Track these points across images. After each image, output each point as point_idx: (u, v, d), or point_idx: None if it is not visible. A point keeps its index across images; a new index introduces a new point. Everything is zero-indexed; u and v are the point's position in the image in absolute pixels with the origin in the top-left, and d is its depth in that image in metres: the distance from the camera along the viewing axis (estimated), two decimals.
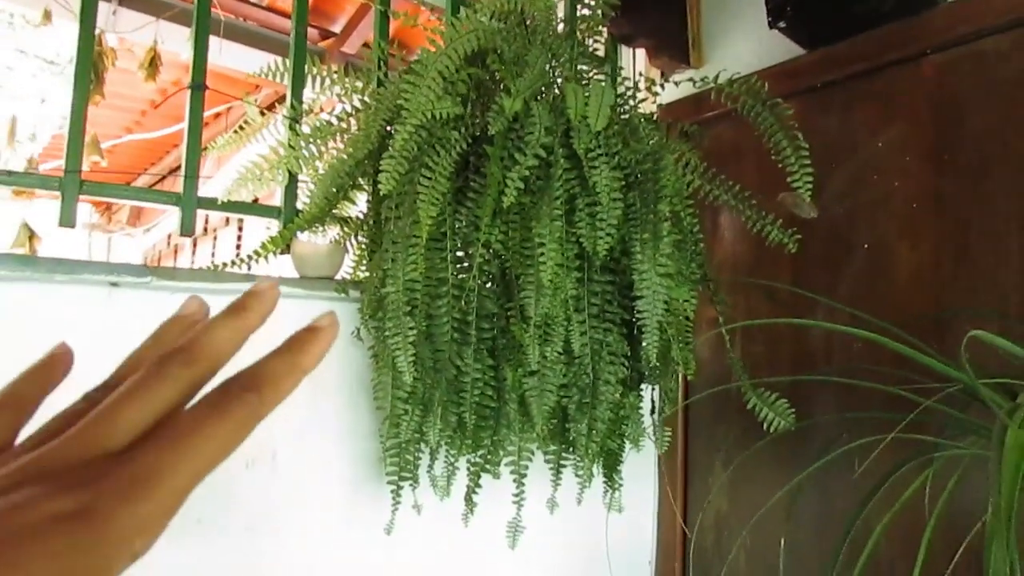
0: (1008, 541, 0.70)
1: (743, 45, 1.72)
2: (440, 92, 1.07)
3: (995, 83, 1.29)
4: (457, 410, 1.07)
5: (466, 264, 1.07)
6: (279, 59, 1.31)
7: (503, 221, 1.08)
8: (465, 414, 1.06)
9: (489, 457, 1.09)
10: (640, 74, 1.75)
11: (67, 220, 1.11)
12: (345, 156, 1.22)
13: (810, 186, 1.18)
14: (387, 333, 1.03)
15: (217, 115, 3.88)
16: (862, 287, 1.42)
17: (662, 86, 1.60)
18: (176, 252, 5.44)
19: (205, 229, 4.87)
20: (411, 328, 1.02)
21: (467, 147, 1.10)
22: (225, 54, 1.79)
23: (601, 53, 1.64)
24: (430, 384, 1.08)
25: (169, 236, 5.43)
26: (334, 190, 1.24)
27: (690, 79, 1.49)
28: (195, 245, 5.00)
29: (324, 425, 1.21)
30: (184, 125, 1.19)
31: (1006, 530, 0.69)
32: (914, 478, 1.07)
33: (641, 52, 1.89)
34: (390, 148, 1.05)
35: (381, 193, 1.08)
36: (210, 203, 1.20)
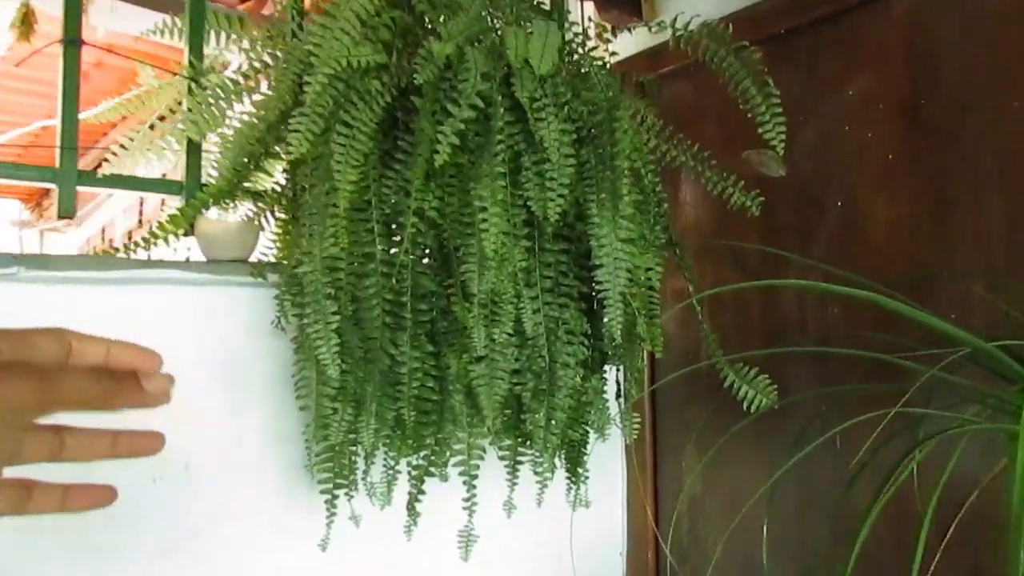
0: None
1: None
2: (358, 37, 0.91)
3: (973, 20, 1.18)
4: (394, 406, 0.92)
5: (397, 236, 0.92)
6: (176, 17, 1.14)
7: (438, 185, 0.93)
8: (403, 410, 0.92)
9: (433, 458, 0.95)
10: (590, 19, 1.60)
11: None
12: (255, 120, 1.05)
13: (783, 137, 1.06)
14: (306, 321, 0.88)
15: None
16: (836, 248, 1.31)
17: (615, 34, 1.46)
18: (111, 246, 5.13)
19: (140, 220, 4.59)
20: (334, 313, 0.87)
21: (392, 100, 0.95)
22: (125, 17, 1.59)
23: (546, 1, 1.49)
24: (361, 377, 0.93)
25: (103, 230, 5.12)
26: (244, 159, 1.07)
27: (646, 26, 1.35)
28: (130, 238, 4.71)
29: (245, 429, 1.06)
30: (59, 88, 1.01)
31: None
32: (901, 453, 0.97)
33: (590, 5, 1.74)
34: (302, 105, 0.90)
35: (293, 157, 0.92)
36: (92, 178, 1.03)
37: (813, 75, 1.37)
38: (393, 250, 0.91)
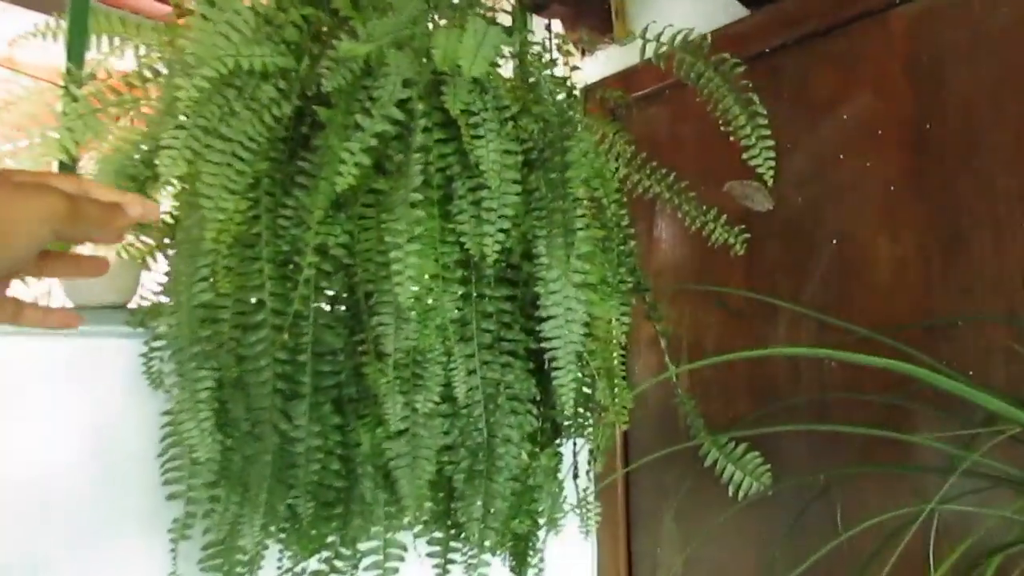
0: None
1: (675, 9, 1.44)
2: (250, 33, 0.74)
3: (983, 32, 1.03)
4: (287, 495, 0.72)
5: (295, 281, 0.73)
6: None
7: (348, 216, 0.75)
8: (298, 500, 0.72)
9: (335, 563, 0.75)
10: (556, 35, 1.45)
11: None
12: (138, 136, 0.87)
13: (771, 163, 0.90)
14: (173, 388, 0.69)
15: None
16: (833, 292, 1.15)
17: (582, 51, 1.30)
18: None
19: None
20: (203, 377, 0.68)
21: (297, 114, 0.77)
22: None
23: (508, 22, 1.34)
24: (251, 456, 0.74)
25: None
26: (125, 183, 0.88)
27: (616, 42, 1.19)
28: None
29: (121, 513, 0.85)
30: None
31: None
32: (920, 544, 0.78)
33: (557, 23, 1.59)
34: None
35: (163, 181, 0.74)
36: None
37: (802, 98, 1.21)
38: (289, 296, 0.72)
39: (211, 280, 0.69)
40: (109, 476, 0.86)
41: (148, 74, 0.92)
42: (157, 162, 0.73)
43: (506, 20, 1.17)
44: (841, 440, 1.08)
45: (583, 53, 1.62)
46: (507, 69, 0.91)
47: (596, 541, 1.37)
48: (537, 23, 1.60)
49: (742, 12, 1.31)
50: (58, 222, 0.37)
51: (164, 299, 0.75)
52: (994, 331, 0.98)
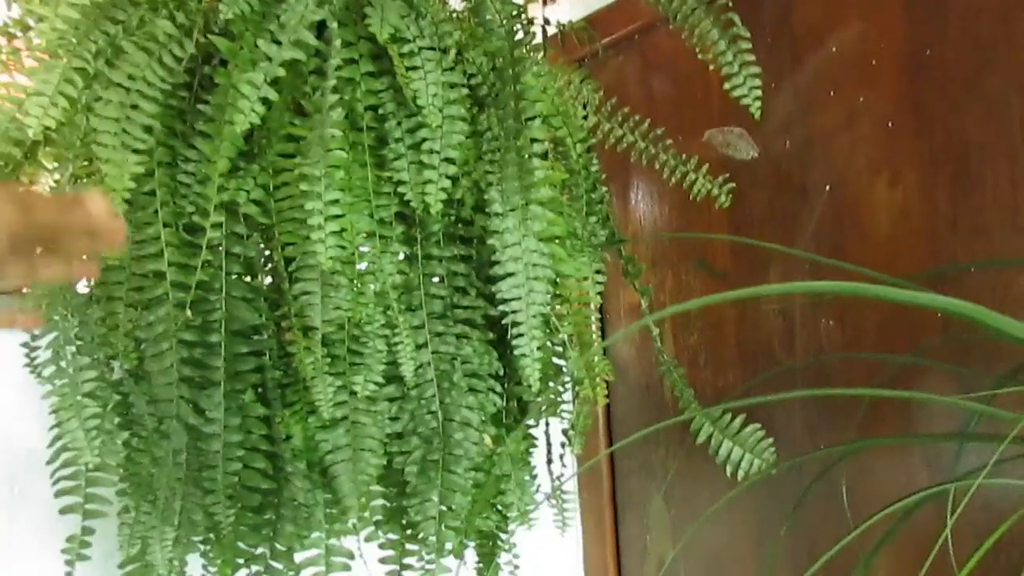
0: None
1: None
2: None
3: None
4: (202, 501, 0.61)
5: (199, 246, 0.61)
6: None
7: (262, 168, 0.63)
8: (218, 507, 0.60)
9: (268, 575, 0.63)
10: None
11: None
12: (21, 91, 0.74)
13: (758, 92, 0.79)
14: (49, 381, 0.57)
15: None
16: (827, 242, 1.04)
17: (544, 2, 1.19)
18: None
19: None
20: (87, 367, 0.56)
21: (199, 52, 0.65)
22: None
23: None
24: (158, 459, 0.62)
25: None
26: (10, 149, 0.76)
27: None
28: None
29: (25, 528, 0.74)
30: None
31: None
32: (936, 522, 0.68)
33: None
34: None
35: (31, 133, 0.61)
36: None
37: (785, 30, 1.10)
38: (191, 265, 0.60)
39: None
40: (14, 481, 0.75)
41: (30, 21, 0.79)
42: (26, 112, 0.61)
43: None
44: (844, 407, 0.98)
45: (544, 2, 1.50)
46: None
47: (581, 530, 1.27)
48: None
49: None
50: (11, 226, 0.38)
51: None
52: (1014, 275, 0.88)
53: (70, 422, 0.56)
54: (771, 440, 0.64)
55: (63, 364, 0.56)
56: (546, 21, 0.98)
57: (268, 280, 0.67)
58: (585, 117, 0.92)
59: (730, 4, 0.79)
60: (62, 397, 0.56)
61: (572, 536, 1.26)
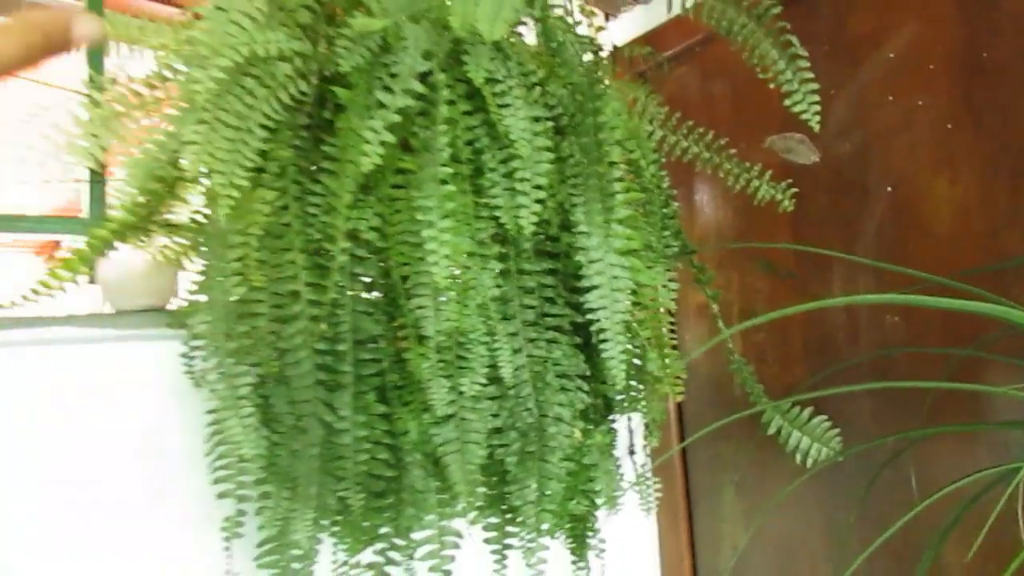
0: None
1: None
2: (263, 20, 0.72)
3: None
4: (336, 487, 0.71)
5: (327, 268, 0.71)
6: None
7: (378, 199, 0.72)
8: (348, 492, 0.70)
9: (390, 554, 0.73)
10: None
11: None
12: (163, 137, 0.86)
13: (817, 108, 0.85)
14: (211, 386, 0.68)
15: None
16: (889, 242, 1.08)
17: (606, 15, 1.26)
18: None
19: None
20: (243, 373, 0.66)
21: (314, 96, 0.75)
22: None
23: None
24: (296, 451, 0.72)
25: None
26: (154, 185, 0.87)
27: (640, 2, 1.15)
28: None
29: (170, 516, 0.85)
30: None
31: None
32: (1000, 502, 0.73)
33: None
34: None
35: (191, 178, 0.72)
36: None
37: (842, 38, 1.15)
38: (323, 285, 0.70)
39: (243, 275, 0.67)
40: (158, 478, 0.86)
41: (167, 73, 0.91)
42: (185, 156, 0.71)
43: None
44: (909, 400, 1.03)
45: (607, 17, 1.57)
46: (531, 39, 0.88)
47: (656, 520, 1.33)
48: None
49: None
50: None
51: (200, 298, 0.74)
52: None
53: (230, 420, 0.66)
54: (837, 430, 0.70)
55: (222, 372, 0.67)
56: (614, 48, 1.05)
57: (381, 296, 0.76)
58: (651, 132, 1.00)
59: (786, 26, 0.85)
60: (222, 399, 0.67)
61: (648, 528, 1.33)
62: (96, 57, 0.96)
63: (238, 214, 0.65)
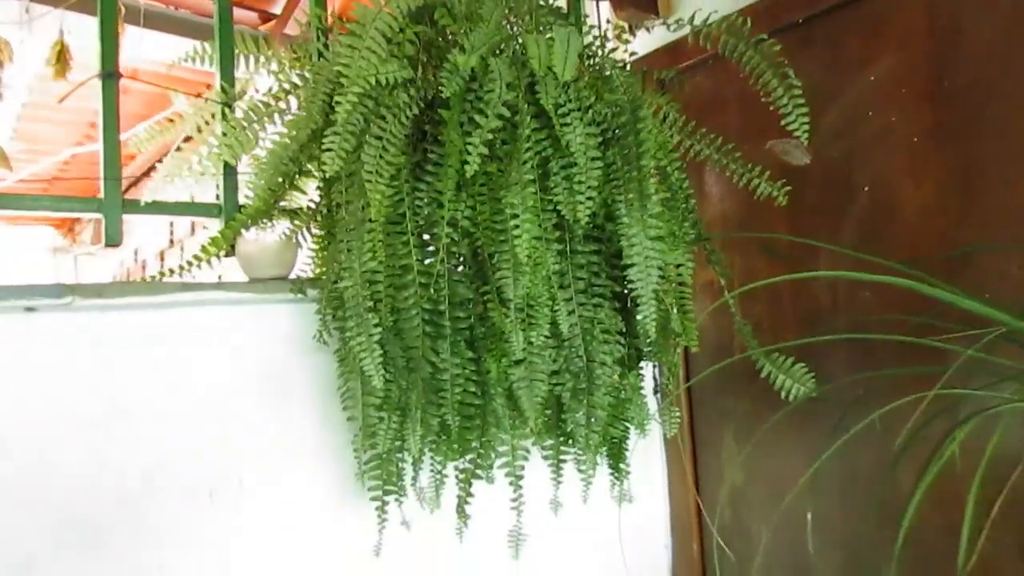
0: None
1: None
2: (384, 54, 0.94)
3: None
4: (438, 412, 0.95)
5: (432, 247, 0.94)
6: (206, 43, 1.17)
7: (469, 194, 0.95)
8: (447, 416, 0.94)
9: (479, 461, 0.97)
10: (607, 21, 1.61)
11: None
12: (287, 140, 1.09)
13: (806, 127, 1.07)
14: (349, 334, 0.91)
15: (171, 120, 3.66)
16: (866, 231, 1.31)
17: (633, 33, 1.47)
18: (144, 267, 5.24)
19: (171, 240, 4.69)
20: (375, 325, 0.90)
21: (420, 113, 0.97)
22: (151, 45, 1.63)
23: (563, 5, 1.51)
24: (405, 386, 0.96)
25: (136, 251, 5.24)
26: (279, 179, 1.10)
27: (664, 23, 1.36)
28: (162, 258, 4.81)
29: (294, 442, 1.09)
30: (99, 120, 1.05)
31: None
32: (943, 434, 0.97)
33: (606, 4, 1.75)
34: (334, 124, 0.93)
35: (327, 175, 0.95)
36: (137, 206, 1.07)
37: (833, 62, 1.37)
38: (428, 260, 0.94)
39: (373, 252, 0.90)
40: (278, 411, 1.10)
41: (287, 87, 1.13)
42: (324, 161, 0.94)
43: (561, 1, 1.34)
44: (876, 355, 1.26)
45: (631, 28, 1.78)
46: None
47: (666, 462, 1.58)
48: (589, 7, 1.77)
49: None
50: None
51: (332, 268, 0.97)
52: (1008, 259, 1.14)
53: (365, 360, 0.89)
54: (813, 373, 0.94)
55: (359, 323, 0.90)
56: (644, 72, 1.27)
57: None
58: (672, 136, 1.22)
59: (783, 61, 1.06)
60: (358, 343, 0.90)
61: (660, 467, 1.57)
62: (227, 70, 1.17)
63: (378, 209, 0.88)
